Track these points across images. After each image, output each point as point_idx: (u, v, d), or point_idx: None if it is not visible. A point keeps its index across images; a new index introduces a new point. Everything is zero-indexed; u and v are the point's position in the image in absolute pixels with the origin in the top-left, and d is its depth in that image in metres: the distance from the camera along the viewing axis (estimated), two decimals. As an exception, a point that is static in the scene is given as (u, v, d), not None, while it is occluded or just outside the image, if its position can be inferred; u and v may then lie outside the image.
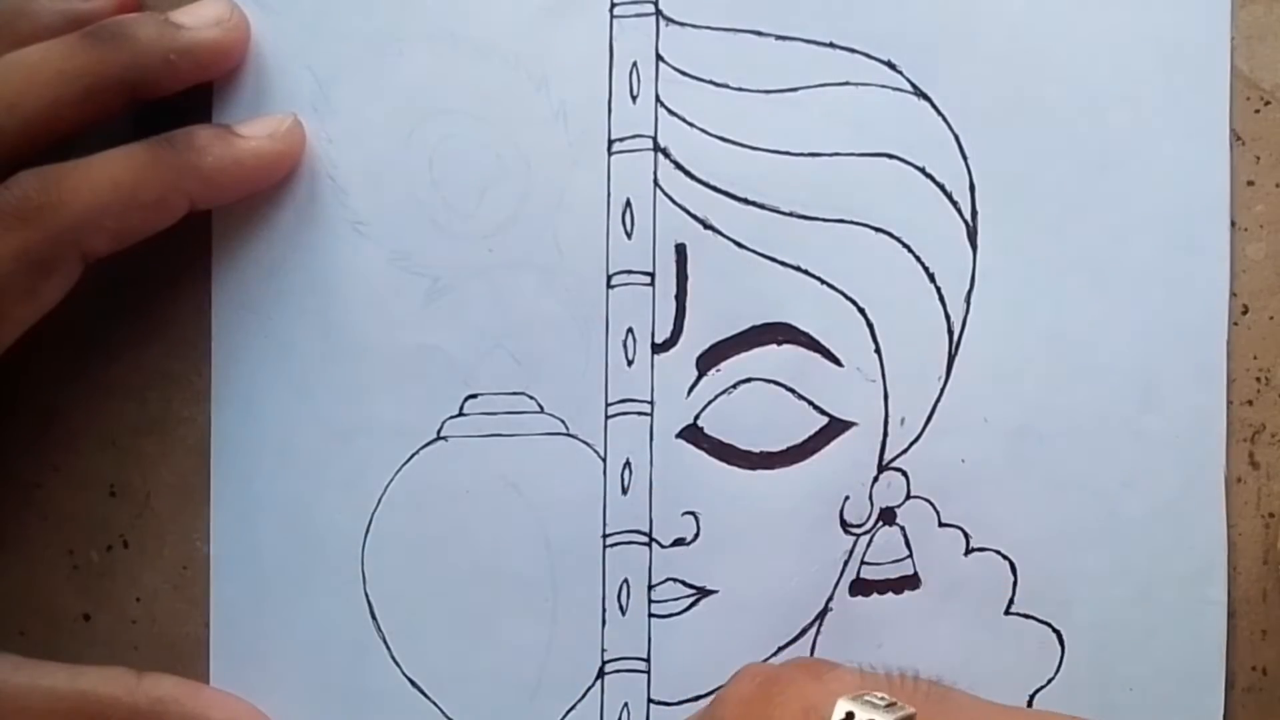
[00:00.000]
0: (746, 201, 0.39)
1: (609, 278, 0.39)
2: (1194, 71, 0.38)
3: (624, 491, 0.39)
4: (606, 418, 0.39)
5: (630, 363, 0.39)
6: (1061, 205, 0.39)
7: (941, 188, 0.39)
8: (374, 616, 0.39)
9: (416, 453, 0.39)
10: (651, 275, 0.39)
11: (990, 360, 0.39)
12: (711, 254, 0.39)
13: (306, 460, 0.39)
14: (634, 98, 0.39)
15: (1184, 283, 0.39)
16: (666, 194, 0.39)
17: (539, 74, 0.39)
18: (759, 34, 0.39)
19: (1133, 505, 0.39)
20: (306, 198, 0.39)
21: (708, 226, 0.39)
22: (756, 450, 0.39)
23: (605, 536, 0.39)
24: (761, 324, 0.39)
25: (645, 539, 0.39)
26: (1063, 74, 0.38)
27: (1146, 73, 0.38)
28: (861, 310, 0.39)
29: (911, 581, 0.39)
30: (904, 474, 0.39)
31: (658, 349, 0.39)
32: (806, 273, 0.39)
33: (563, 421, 0.39)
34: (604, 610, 0.39)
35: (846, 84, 0.39)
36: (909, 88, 0.39)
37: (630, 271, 0.39)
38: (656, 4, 0.39)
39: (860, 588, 0.39)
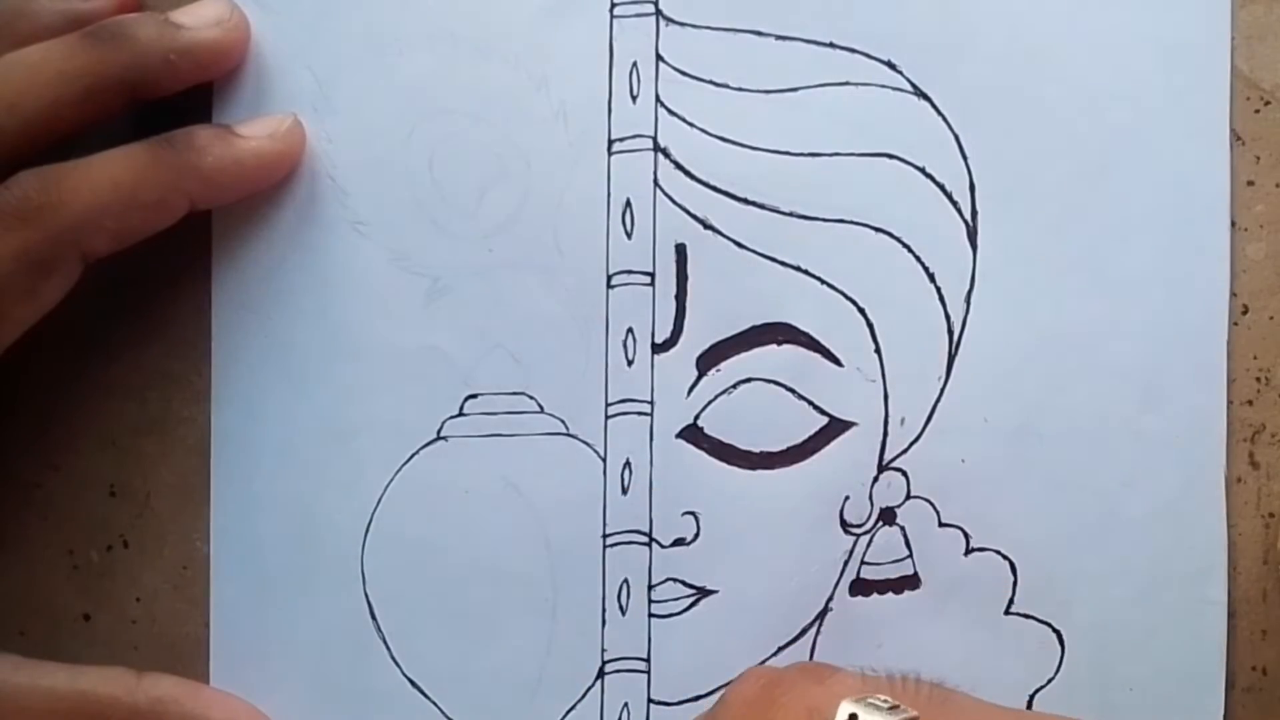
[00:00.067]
0: (746, 201, 0.39)
1: (609, 278, 0.39)
2: (1194, 71, 0.38)
3: (624, 491, 0.39)
4: (606, 418, 0.39)
5: (630, 363, 0.39)
6: (1061, 205, 0.39)
7: (941, 188, 0.39)
8: (374, 616, 0.39)
9: (416, 453, 0.39)
10: (651, 275, 0.39)
11: (990, 360, 0.39)
12: (711, 254, 0.39)
13: (306, 460, 0.39)
14: (634, 98, 0.39)
15: (1184, 283, 0.39)
16: (666, 194, 0.39)
17: (539, 74, 0.39)
18: (759, 34, 0.39)
19: (1133, 505, 0.39)
20: (306, 198, 0.39)
21: (708, 226, 0.39)
22: (756, 450, 0.39)
23: (605, 536, 0.39)
24: (761, 324, 0.39)
25: (645, 539, 0.39)
26: (1063, 74, 0.38)
27: (1146, 73, 0.38)
28: (861, 310, 0.39)
29: (911, 581, 0.39)
30: (904, 474, 0.39)
31: (658, 349, 0.39)
32: (806, 273, 0.39)
33: (563, 421, 0.39)
34: (604, 610, 0.39)
35: (846, 84, 0.39)
36: (909, 88, 0.39)
37: (630, 271, 0.39)
38: (656, 4, 0.39)
39: (860, 588, 0.39)
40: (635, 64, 0.39)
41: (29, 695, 0.37)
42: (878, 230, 0.39)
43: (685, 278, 0.39)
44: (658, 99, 0.39)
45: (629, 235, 0.39)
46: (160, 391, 0.39)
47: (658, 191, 0.39)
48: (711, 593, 0.39)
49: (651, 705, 0.39)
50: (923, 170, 0.39)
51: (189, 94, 0.38)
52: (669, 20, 0.39)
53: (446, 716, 0.39)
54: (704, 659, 0.39)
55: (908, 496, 0.39)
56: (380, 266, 0.39)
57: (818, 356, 0.39)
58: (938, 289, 0.39)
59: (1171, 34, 0.38)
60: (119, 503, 0.40)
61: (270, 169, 0.38)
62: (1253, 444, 0.39)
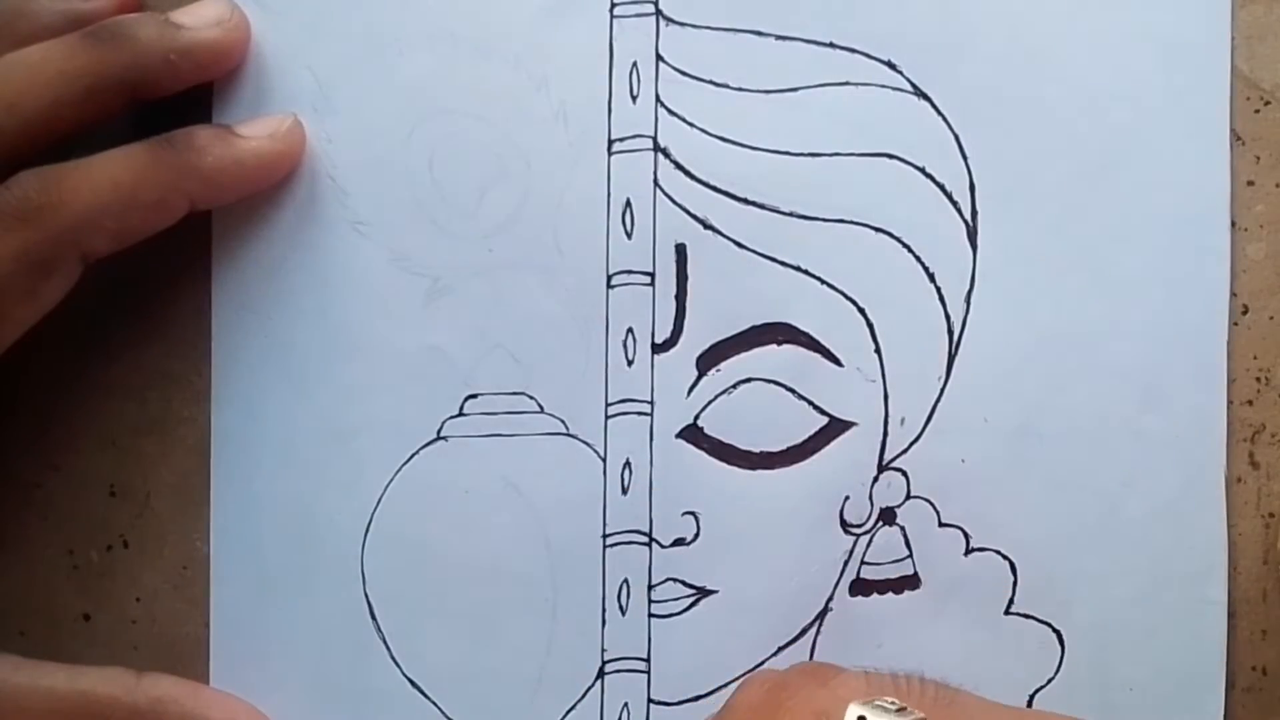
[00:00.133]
0: (746, 201, 0.39)
1: (609, 278, 0.39)
2: (1194, 71, 0.38)
3: (624, 491, 0.39)
4: (606, 418, 0.39)
5: (630, 363, 0.39)
6: (1061, 205, 0.39)
7: (941, 188, 0.39)
8: (374, 616, 0.39)
9: (416, 453, 0.39)
10: (651, 275, 0.39)
11: (990, 360, 0.39)
12: (711, 254, 0.39)
13: (306, 460, 0.39)
14: (634, 98, 0.39)
15: (1184, 283, 0.39)
16: (666, 194, 0.39)
17: (539, 74, 0.39)
18: (759, 34, 0.39)
19: (1133, 505, 0.39)
20: (306, 198, 0.39)
21: (708, 226, 0.39)
22: (756, 450, 0.39)
23: (605, 536, 0.39)
24: (761, 324, 0.39)
25: (645, 539, 0.39)
26: (1063, 74, 0.38)
27: (1146, 73, 0.38)
28: (861, 310, 0.39)
29: (911, 581, 0.39)
30: (904, 474, 0.39)
31: (658, 349, 0.39)
32: (806, 273, 0.39)
33: (563, 421, 0.39)
34: (604, 610, 0.39)
35: (846, 84, 0.39)
36: (909, 88, 0.39)
37: (630, 271, 0.39)
38: (656, 4, 0.39)
39: (860, 588, 0.39)
40: (635, 64, 0.39)
41: (29, 695, 0.37)
42: (878, 230, 0.39)
43: (685, 278, 0.39)
44: (658, 99, 0.39)
45: (629, 235, 0.39)
46: (160, 391, 0.39)
47: (658, 191, 0.39)
48: (711, 593, 0.39)
49: (651, 705, 0.39)
50: (923, 170, 0.39)
51: (189, 94, 0.38)
52: (669, 20, 0.39)
53: (446, 716, 0.39)
54: (704, 659, 0.39)
55: (908, 496, 0.39)
56: (380, 266, 0.39)
57: (818, 356, 0.39)
58: (938, 289, 0.39)
59: (1171, 34, 0.38)
60: (119, 503, 0.40)
61: (270, 169, 0.38)
62: (1253, 444, 0.39)
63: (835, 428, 0.39)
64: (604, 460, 0.39)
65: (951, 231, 0.39)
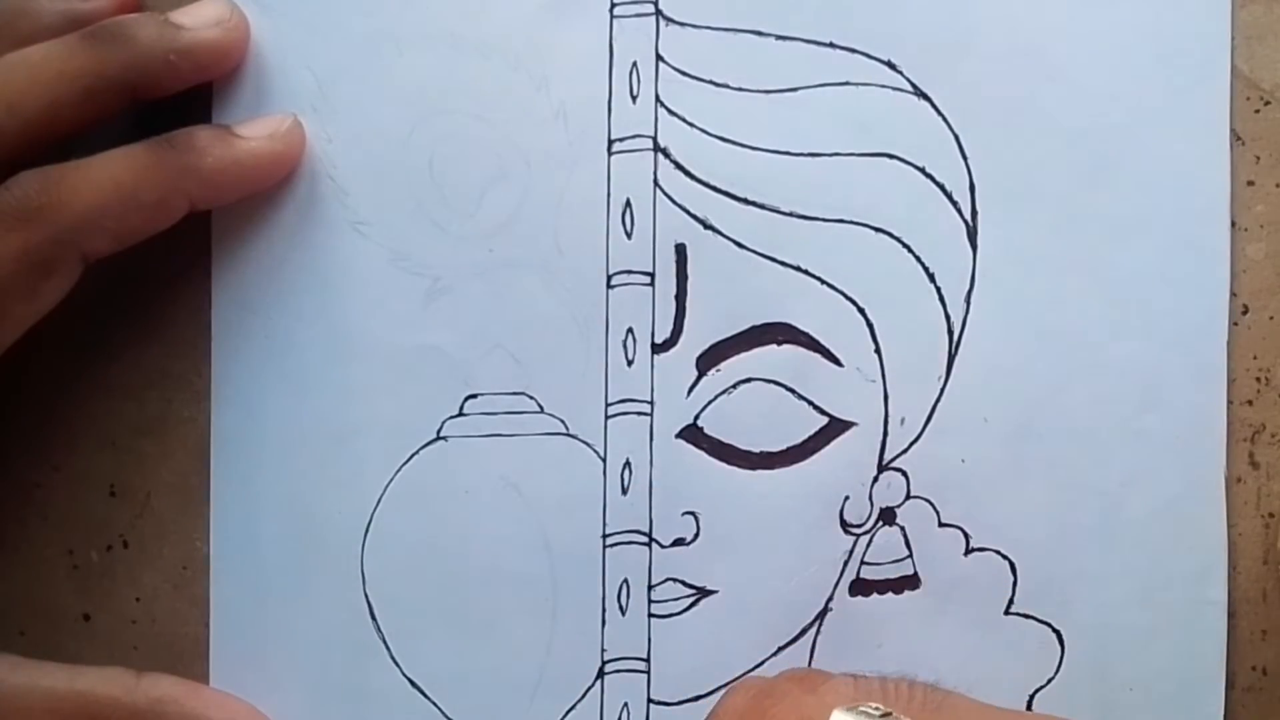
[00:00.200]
0: (746, 201, 0.39)
1: (609, 278, 0.39)
2: (1194, 71, 0.38)
3: (624, 491, 0.39)
4: (606, 418, 0.39)
5: (630, 363, 0.39)
6: (1061, 205, 0.39)
7: (941, 188, 0.39)
8: (374, 616, 0.39)
9: (416, 453, 0.39)
10: (651, 275, 0.39)
11: (990, 360, 0.39)
12: (711, 254, 0.39)
13: (306, 460, 0.39)
14: (634, 98, 0.39)
15: (1184, 283, 0.39)
16: (666, 194, 0.39)
17: (539, 74, 0.39)
18: (759, 34, 0.39)
19: (1133, 505, 0.39)
20: (306, 198, 0.39)
21: (708, 226, 0.39)
22: (756, 450, 0.39)
23: (605, 536, 0.39)
24: (761, 324, 0.39)
25: (645, 539, 0.39)
26: (1062, 74, 0.38)
27: (1146, 73, 0.38)
28: (861, 310, 0.39)
29: (911, 581, 0.39)
30: (904, 474, 0.39)
31: (658, 349, 0.39)
32: (806, 273, 0.39)
33: (563, 421, 0.39)
34: (604, 610, 0.39)
35: (846, 84, 0.39)
36: (909, 88, 0.39)
37: (630, 271, 0.39)
38: (656, 4, 0.39)
39: (860, 588, 0.39)
40: (635, 64, 0.39)
41: (28, 695, 0.37)
42: (878, 230, 0.39)
43: (685, 278, 0.39)
44: (658, 99, 0.39)
45: (629, 235, 0.39)
46: (160, 391, 0.39)
47: (658, 191, 0.39)
48: (711, 593, 0.39)
49: (651, 705, 0.39)
50: (923, 170, 0.39)
51: (189, 94, 0.38)
52: (669, 20, 0.39)
53: (446, 716, 0.39)
54: (704, 659, 0.39)
55: (908, 496, 0.39)
56: (380, 266, 0.39)
57: (818, 356, 0.39)
58: (938, 289, 0.39)
59: (1171, 34, 0.38)
60: (119, 503, 0.40)
61: (270, 169, 0.38)
62: (1253, 444, 0.39)
63: (835, 428, 0.39)
64: (604, 460, 0.39)
65: (951, 231, 0.39)
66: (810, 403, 0.39)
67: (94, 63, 0.37)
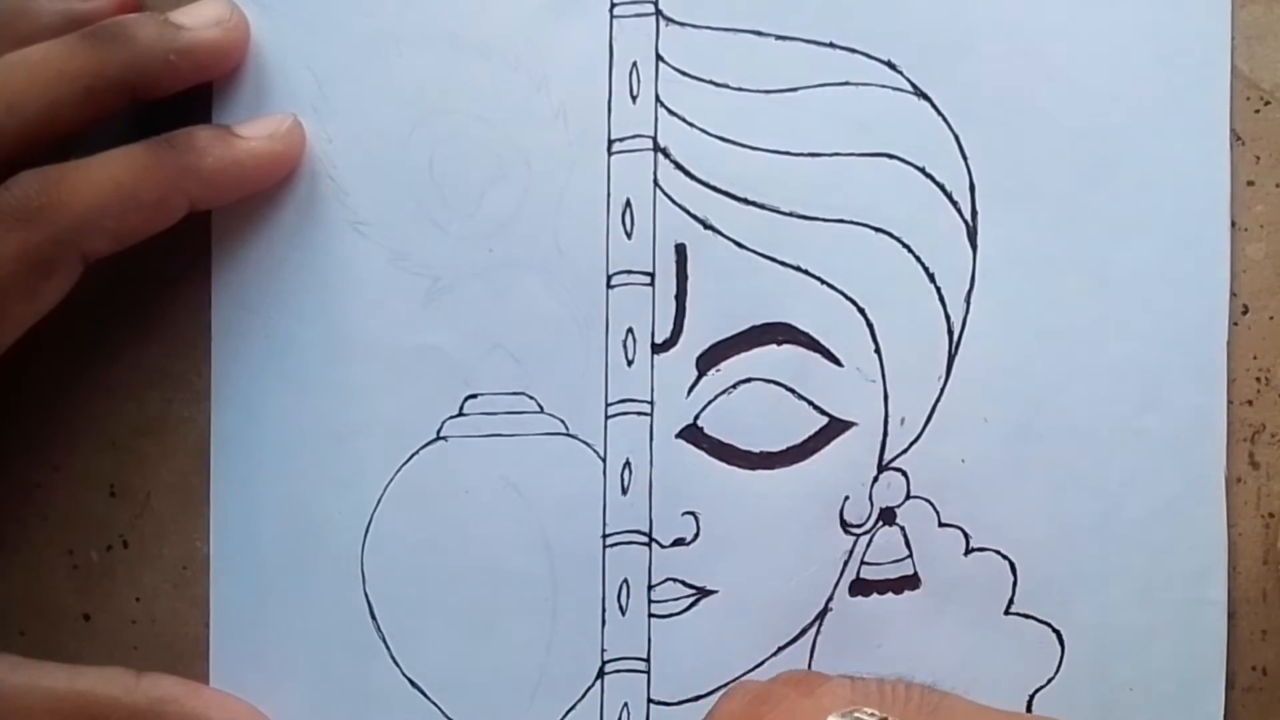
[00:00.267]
0: (746, 201, 0.39)
1: (609, 278, 0.39)
2: (1194, 71, 0.38)
3: (624, 491, 0.39)
4: (606, 418, 0.39)
5: (630, 363, 0.39)
6: (1061, 205, 0.39)
7: (941, 188, 0.39)
8: (374, 616, 0.39)
9: (416, 453, 0.39)
10: (651, 275, 0.39)
11: (990, 360, 0.39)
12: (711, 254, 0.39)
13: (306, 460, 0.39)
14: (634, 98, 0.39)
15: (1184, 283, 0.39)
16: (666, 194, 0.39)
17: (539, 74, 0.39)
18: (759, 34, 0.39)
19: (1133, 505, 0.39)
20: (306, 198, 0.39)
21: (708, 226, 0.39)
22: (756, 450, 0.39)
23: (605, 536, 0.39)
24: (761, 324, 0.39)
25: (645, 539, 0.39)
26: (1063, 74, 0.38)
27: (1146, 73, 0.38)
28: (861, 310, 0.39)
29: (911, 581, 0.39)
30: (904, 474, 0.39)
31: (658, 349, 0.39)
32: (806, 273, 0.39)
33: (563, 421, 0.39)
34: (604, 610, 0.39)
35: (846, 84, 0.39)
36: (909, 88, 0.39)
37: (630, 271, 0.39)
38: (656, 4, 0.39)
39: (860, 588, 0.39)
40: (635, 64, 0.39)
41: (28, 695, 0.37)
42: (878, 230, 0.39)
43: (685, 278, 0.39)
44: (658, 99, 0.39)
45: (629, 235, 0.39)
46: (160, 391, 0.39)
47: (658, 191, 0.39)
48: (711, 593, 0.39)
49: (651, 705, 0.39)
50: (923, 170, 0.39)
51: (189, 94, 0.38)
52: (669, 20, 0.39)
53: (446, 716, 0.39)
54: (704, 659, 0.39)
55: (908, 496, 0.39)
56: (380, 266, 0.39)
57: (818, 356, 0.39)
58: (938, 289, 0.39)
59: (1171, 34, 0.38)
60: (119, 503, 0.40)
61: (270, 169, 0.38)
62: (1253, 444, 0.39)
63: (835, 428, 0.39)
64: (604, 460, 0.39)
65: (951, 231, 0.39)
66: (810, 403, 0.39)
67: (94, 63, 0.37)
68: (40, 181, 0.36)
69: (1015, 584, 0.39)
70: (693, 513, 0.39)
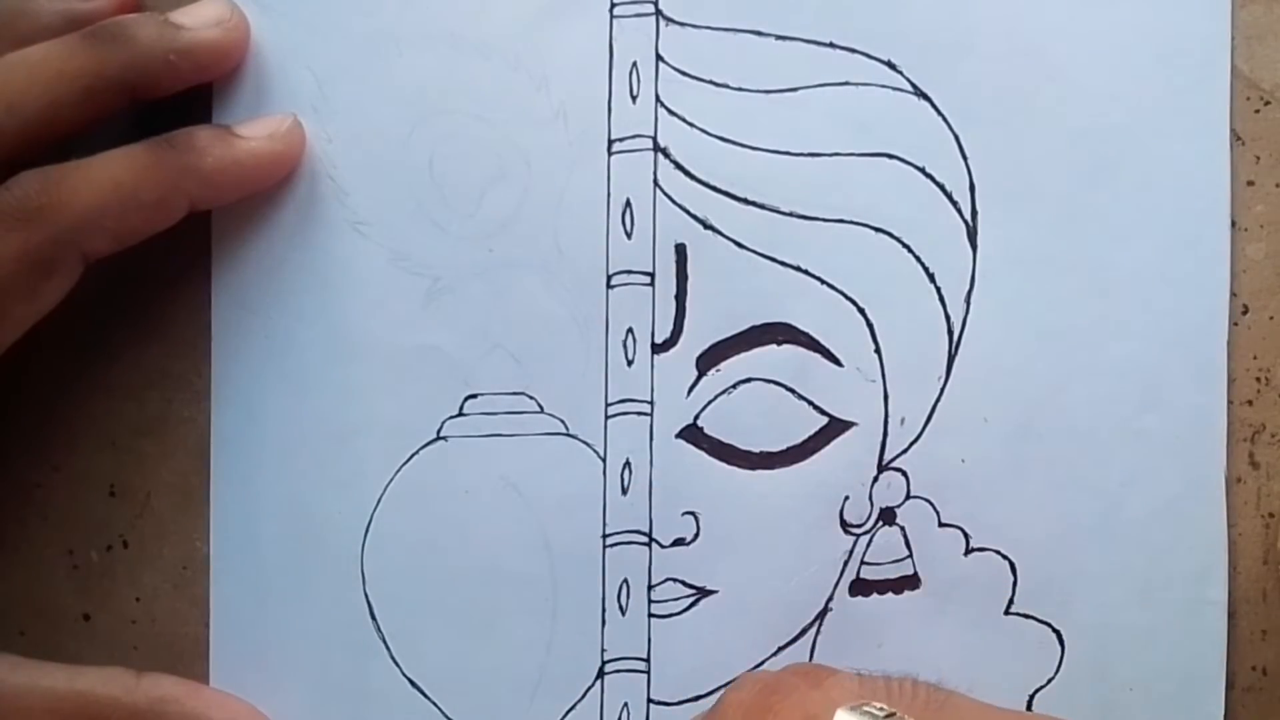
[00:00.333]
0: (746, 201, 0.39)
1: (609, 278, 0.39)
2: (1194, 71, 0.38)
3: (624, 491, 0.39)
4: (606, 418, 0.39)
5: (630, 363, 0.39)
6: (1061, 205, 0.39)
7: (941, 188, 0.39)
8: (374, 616, 0.39)
9: (416, 453, 0.39)
10: (651, 275, 0.39)
11: (990, 360, 0.39)
12: (711, 254, 0.39)
13: (306, 460, 0.39)
14: (634, 98, 0.39)
15: (1184, 283, 0.39)
16: (666, 194, 0.39)
17: (539, 74, 0.39)
18: (759, 34, 0.39)
19: (1133, 505, 0.39)
20: (306, 198, 0.39)
21: (708, 226, 0.39)
22: (756, 450, 0.39)
23: (605, 536, 0.39)
24: (761, 324, 0.39)
25: (645, 539, 0.39)
26: (1063, 74, 0.38)
27: (1146, 73, 0.38)
28: (861, 310, 0.39)
29: (911, 581, 0.39)
30: (904, 474, 0.39)
31: (658, 349, 0.39)
32: (806, 273, 0.39)
33: (563, 421, 0.39)
34: (604, 610, 0.39)
35: (846, 84, 0.39)
36: (909, 88, 0.39)
37: (630, 271, 0.39)
38: (656, 4, 0.39)
39: (860, 588, 0.39)
40: (635, 64, 0.39)
41: (28, 695, 0.37)
42: (878, 230, 0.39)
43: (685, 278, 0.39)
44: (658, 99, 0.39)
45: (629, 235, 0.39)
46: (160, 391, 0.39)
47: (658, 191, 0.39)
48: (711, 593, 0.39)
49: (651, 705, 0.39)
50: (923, 170, 0.39)
51: (189, 94, 0.38)
52: (669, 20, 0.39)
53: (446, 716, 0.39)
54: (704, 659, 0.39)
55: (908, 496, 0.39)
56: (380, 266, 0.39)
57: (818, 356, 0.39)
58: (938, 289, 0.39)
59: (1171, 34, 0.38)
60: (119, 503, 0.40)
61: (270, 169, 0.38)
62: (1253, 444, 0.39)
63: (835, 428, 0.39)
64: (604, 460, 0.39)
65: (951, 231, 0.39)
66: (810, 403, 0.39)
67: (93, 63, 0.37)
68: (40, 181, 0.36)
69: (1015, 584, 0.39)
70: (693, 513, 0.39)
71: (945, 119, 0.39)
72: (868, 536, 0.39)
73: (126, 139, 0.37)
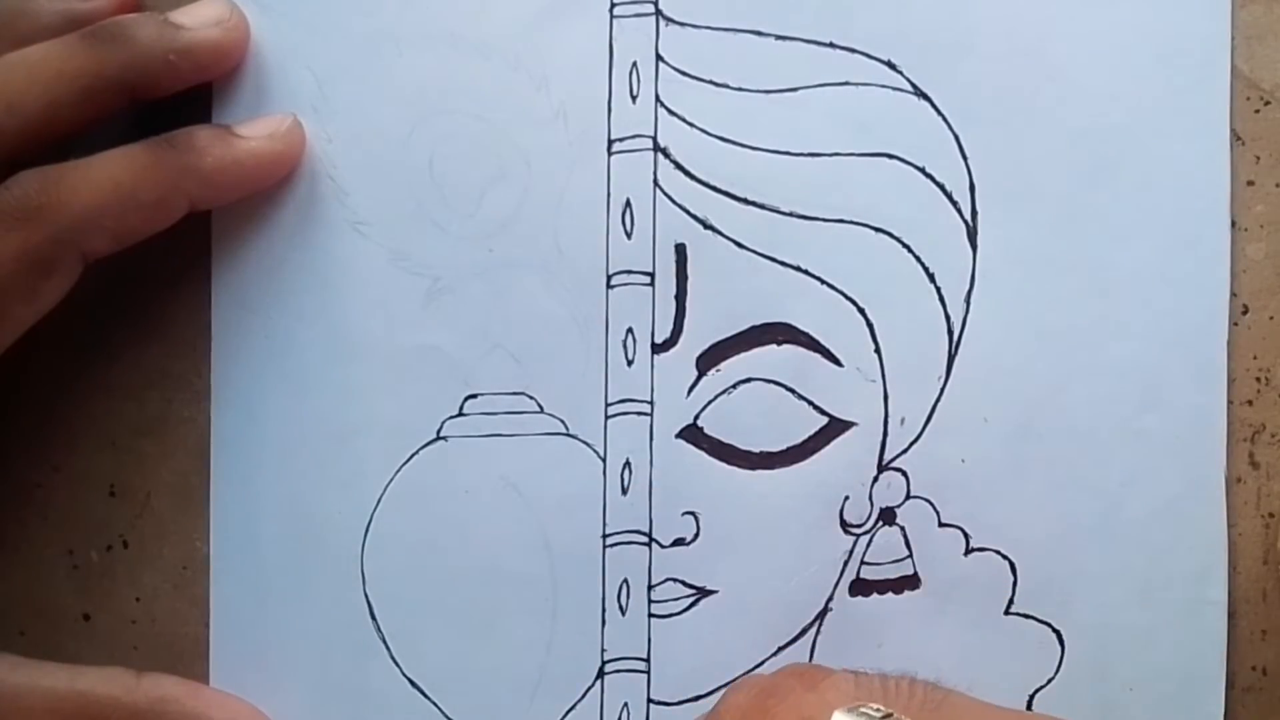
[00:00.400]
0: (746, 201, 0.39)
1: (609, 278, 0.39)
2: (1194, 71, 0.38)
3: (624, 491, 0.39)
4: (606, 418, 0.39)
5: (630, 363, 0.39)
6: (1061, 205, 0.39)
7: (941, 188, 0.39)
8: (374, 616, 0.39)
9: (416, 453, 0.39)
10: (651, 275, 0.39)
11: (990, 360, 0.39)
12: (711, 254, 0.39)
13: (306, 460, 0.39)
14: (634, 98, 0.39)
15: (1184, 283, 0.39)
16: (666, 194, 0.39)
17: (539, 74, 0.39)
18: (759, 34, 0.39)
19: (1133, 505, 0.39)
20: (306, 198, 0.39)
21: (708, 226, 0.39)
22: (756, 450, 0.39)
23: (605, 536, 0.39)
24: (761, 324, 0.39)
25: (645, 539, 0.39)
26: (1063, 74, 0.38)
27: (1146, 73, 0.38)
28: (861, 310, 0.39)
29: (911, 581, 0.39)
30: (904, 474, 0.39)
31: (658, 349, 0.39)
32: (806, 273, 0.39)
33: (563, 421, 0.39)
34: (604, 610, 0.39)
35: (846, 84, 0.39)
36: (909, 88, 0.39)
37: (630, 271, 0.39)
38: (656, 4, 0.39)
39: (860, 588, 0.39)
40: (635, 64, 0.39)
41: (28, 695, 0.37)
42: (878, 230, 0.39)
43: (685, 278, 0.39)
44: (658, 99, 0.39)
45: (629, 235, 0.39)
46: (160, 391, 0.39)
47: (658, 191, 0.39)
48: (711, 593, 0.39)
49: (651, 705, 0.39)
50: (923, 170, 0.39)
51: (189, 94, 0.38)
52: (669, 20, 0.39)
53: (446, 716, 0.39)
54: (704, 659, 0.39)
55: (908, 496, 0.39)
56: (380, 266, 0.39)
57: (818, 356, 0.39)
58: (938, 289, 0.39)
59: (1171, 34, 0.38)
60: (119, 503, 0.40)
61: (270, 169, 0.38)
62: (1253, 444, 0.39)
63: (835, 428, 0.39)
64: (604, 460, 0.39)
65: (951, 231, 0.39)
66: (810, 403, 0.39)
67: (93, 63, 0.37)
68: (40, 181, 0.36)
69: (1015, 584, 0.39)
70: (693, 513, 0.39)
71: (945, 119, 0.39)
72: (868, 536, 0.39)
73: (126, 139, 0.37)
